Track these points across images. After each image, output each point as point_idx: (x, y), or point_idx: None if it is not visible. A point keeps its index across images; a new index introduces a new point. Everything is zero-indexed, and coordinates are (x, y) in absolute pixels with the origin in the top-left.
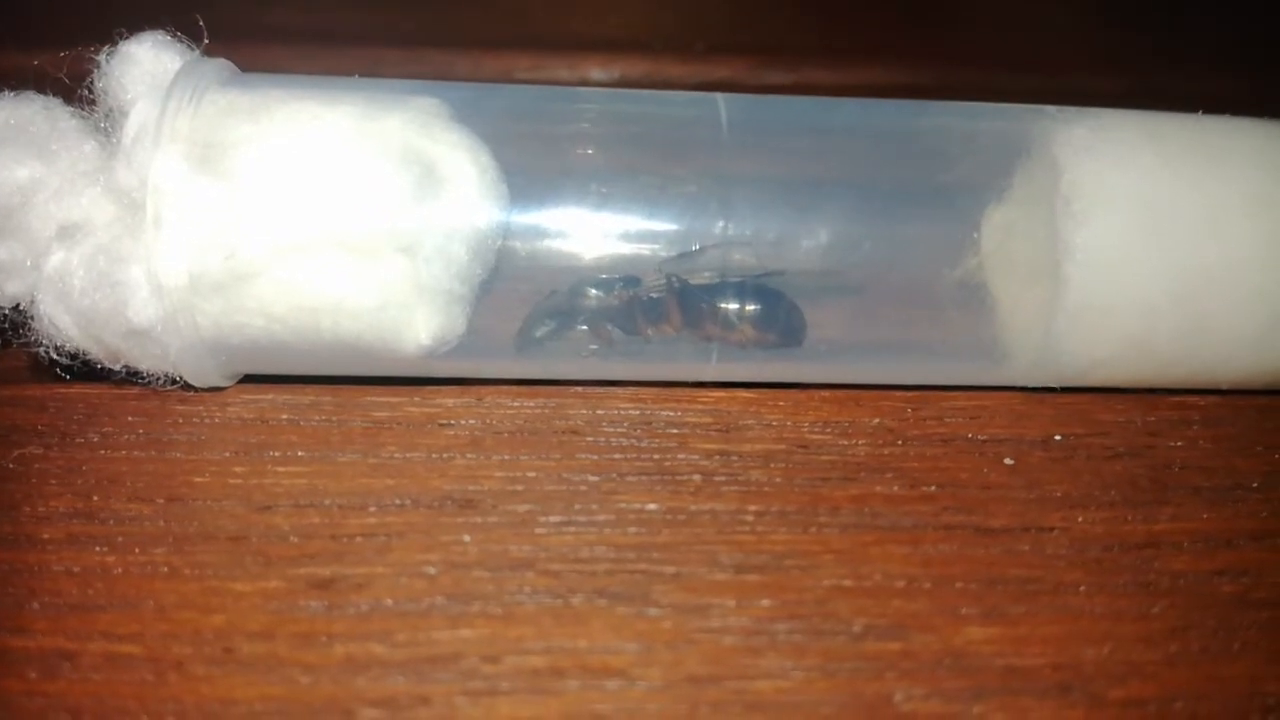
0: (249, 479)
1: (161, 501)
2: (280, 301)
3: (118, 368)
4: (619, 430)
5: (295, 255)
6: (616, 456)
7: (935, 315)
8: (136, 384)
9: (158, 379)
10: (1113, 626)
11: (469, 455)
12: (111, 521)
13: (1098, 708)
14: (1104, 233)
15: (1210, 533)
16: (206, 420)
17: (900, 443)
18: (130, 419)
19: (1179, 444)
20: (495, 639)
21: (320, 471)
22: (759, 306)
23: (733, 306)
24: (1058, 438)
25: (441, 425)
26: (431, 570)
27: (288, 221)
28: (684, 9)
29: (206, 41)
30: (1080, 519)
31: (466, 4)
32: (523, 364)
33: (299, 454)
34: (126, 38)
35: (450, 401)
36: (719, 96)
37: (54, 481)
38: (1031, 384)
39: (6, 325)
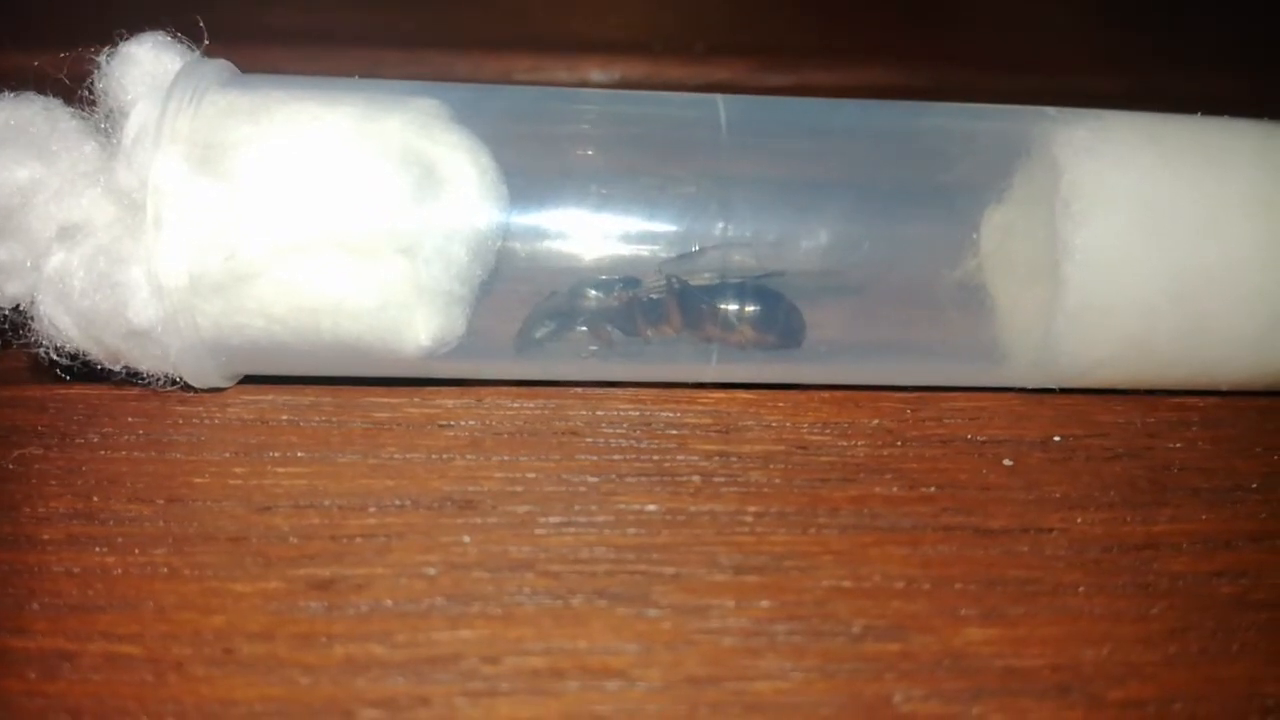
0: (249, 480)
1: (161, 502)
2: (280, 302)
3: (118, 368)
4: (618, 431)
5: (295, 256)
6: (616, 457)
7: (935, 316)
8: (136, 385)
9: (158, 380)
10: (1112, 627)
11: (469, 456)
12: (111, 522)
13: (1096, 709)
14: (1103, 233)
15: (1209, 534)
16: (206, 421)
17: (899, 444)
18: (130, 420)
19: (1178, 445)
20: (495, 640)
21: (320, 472)
22: (758, 307)
23: (732, 307)
24: (1057, 439)
25: (441, 426)
26: (431, 571)
27: (288, 222)
28: (684, 10)
29: (207, 42)
30: (1079, 520)
31: (466, 5)
32: (522, 365)
33: (299, 455)
34: (127, 39)
35: (450, 402)
36: (718, 98)
37: (54, 482)
38: (1031, 385)
39: (6, 326)
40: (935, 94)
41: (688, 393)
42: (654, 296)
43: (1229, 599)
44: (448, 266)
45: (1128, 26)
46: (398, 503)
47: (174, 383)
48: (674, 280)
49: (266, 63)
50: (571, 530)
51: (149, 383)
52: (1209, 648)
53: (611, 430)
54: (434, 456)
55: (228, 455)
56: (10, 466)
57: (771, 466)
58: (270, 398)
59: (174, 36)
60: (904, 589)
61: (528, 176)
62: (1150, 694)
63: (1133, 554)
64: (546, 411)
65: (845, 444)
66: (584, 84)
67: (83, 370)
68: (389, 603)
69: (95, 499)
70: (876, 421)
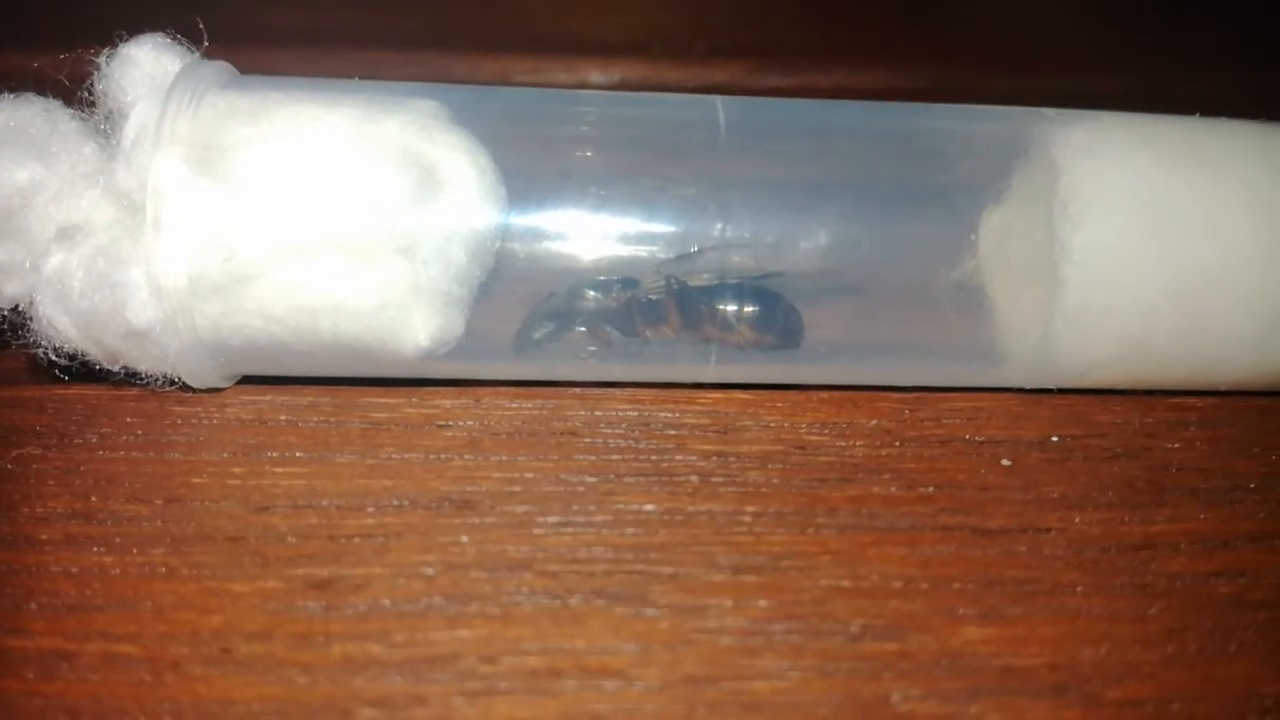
0: (247, 480)
1: (159, 502)
2: (279, 303)
3: (116, 369)
4: (617, 431)
5: (294, 257)
6: (614, 457)
7: (933, 317)
8: (135, 385)
9: (156, 380)
10: (1110, 627)
11: (467, 456)
12: (109, 522)
13: (1094, 708)
14: (1102, 234)
15: (1207, 534)
16: (205, 421)
17: (898, 444)
18: (129, 420)
19: (1176, 445)
20: (493, 639)
21: (318, 472)
22: (757, 308)
23: (731, 308)
24: (1055, 439)
25: (440, 426)
26: (429, 571)
27: (287, 223)
28: (683, 11)
29: (206, 44)
30: (1077, 520)
31: (466, 6)
32: (521, 365)
33: (297, 455)
34: (126, 40)
35: (448, 403)
36: (717, 99)
37: (52, 482)
38: (1029, 385)
39: (5, 326)
40: (935, 95)
41: (686, 393)
42: (652, 297)
43: (1227, 599)
44: (446, 267)
45: (1128, 26)
46: (396, 503)
47: (172, 383)
48: (673, 281)
49: (266, 64)
50: (569, 530)
51: (147, 383)
52: (1207, 647)
53: (610, 430)
54: (432, 457)
55: (226, 455)
56: (8, 466)
57: (770, 466)
58: (269, 398)
59: (173, 38)
60: (902, 589)
61: (527, 178)
62: (1148, 694)
63: (1131, 554)
64: (545, 412)
65: (843, 444)
66: (583, 85)
67: (81, 370)
68: (387, 602)
69: (93, 499)
70: (875, 422)
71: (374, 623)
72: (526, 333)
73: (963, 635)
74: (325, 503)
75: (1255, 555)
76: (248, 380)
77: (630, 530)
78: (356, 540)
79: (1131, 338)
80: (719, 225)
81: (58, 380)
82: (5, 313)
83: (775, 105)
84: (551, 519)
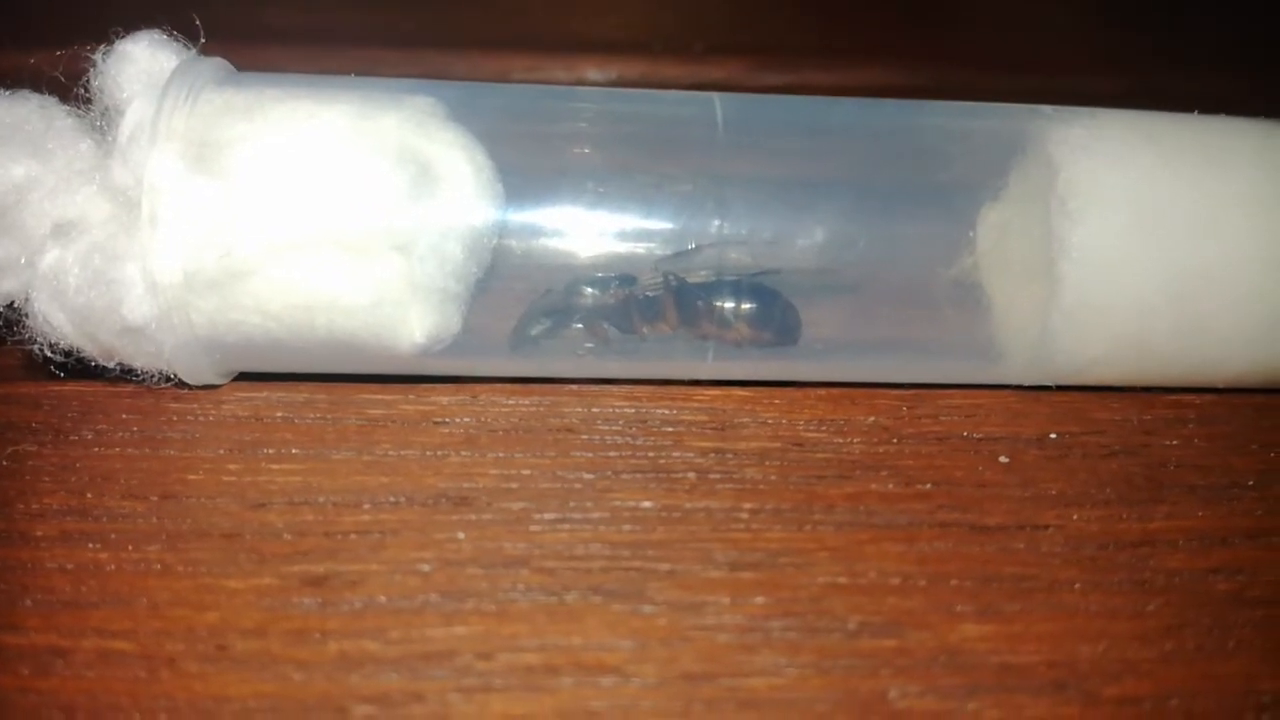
0: (243, 476)
1: (155, 499)
2: (275, 299)
3: (112, 365)
4: (614, 428)
5: (290, 253)
6: (611, 454)
7: (931, 314)
8: (131, 381)
9: (152, 376)
10: (1108, 624)
11: (464, 453)
12: (105, 519)
13: (1092, 705)
14: (1099, 231)
15: (1205, 531)
16: (201, 418)
17: (895, 441)
18: (124, 416)
19: (1175, 442)
20: (489, 636)
21: (314, 469)
22: (754, 305)
23: (728, 305)
24: (1053, 436)
25: (436, 423)
26: (426, 567)
27: (283, 220)
28: (683, 9)
29: (203, 41)
30: (1075, 517)
31: (465, 4)
32: (518, 362)
33: (293, 451)
34: (123, 36)
35: (445, 399)
36: (715, 96)
37: (47, 479)
38: (1027, 382)
39: (1, 323)
40: (935, 94)
41: (683, 390)
42: (650, 294)
43: (1225, 596)
44: (443, 264)
45: (1128, 26)
46: (392, 499)
47: (168, 380)
48: (670, 278)
49: (263, 62)
50: (566, 527)
51: (143, 380)
52: (1205, 644)
53: (607, 427)
54: (429, 453)
55: (222, 452)
56: (4, 463)
57: (767, 463)
58: (265, 395)
59: (170, 35)
60: (900, 585)
61: (524, 174)
62: (1146, 690)
63: (1129, 551)
64: (542, 408)
65: (841, 441)
66: (581, 83)
67: (77, 367)
68: (383, 599)
69: (89, 495)
70: (872, 419)
71: (370, 619)
72: (523, 329)
73: (960, 632)
74: (321, 499)
75: (1253, 552)
76: (244, 377)
77: (627, 527)
78: (353, 537)
79: (1129, 335)
80: (716, 222)
81: (53, 377)
82: (1, 309)
83: (773, 102)
84: (548, 516)
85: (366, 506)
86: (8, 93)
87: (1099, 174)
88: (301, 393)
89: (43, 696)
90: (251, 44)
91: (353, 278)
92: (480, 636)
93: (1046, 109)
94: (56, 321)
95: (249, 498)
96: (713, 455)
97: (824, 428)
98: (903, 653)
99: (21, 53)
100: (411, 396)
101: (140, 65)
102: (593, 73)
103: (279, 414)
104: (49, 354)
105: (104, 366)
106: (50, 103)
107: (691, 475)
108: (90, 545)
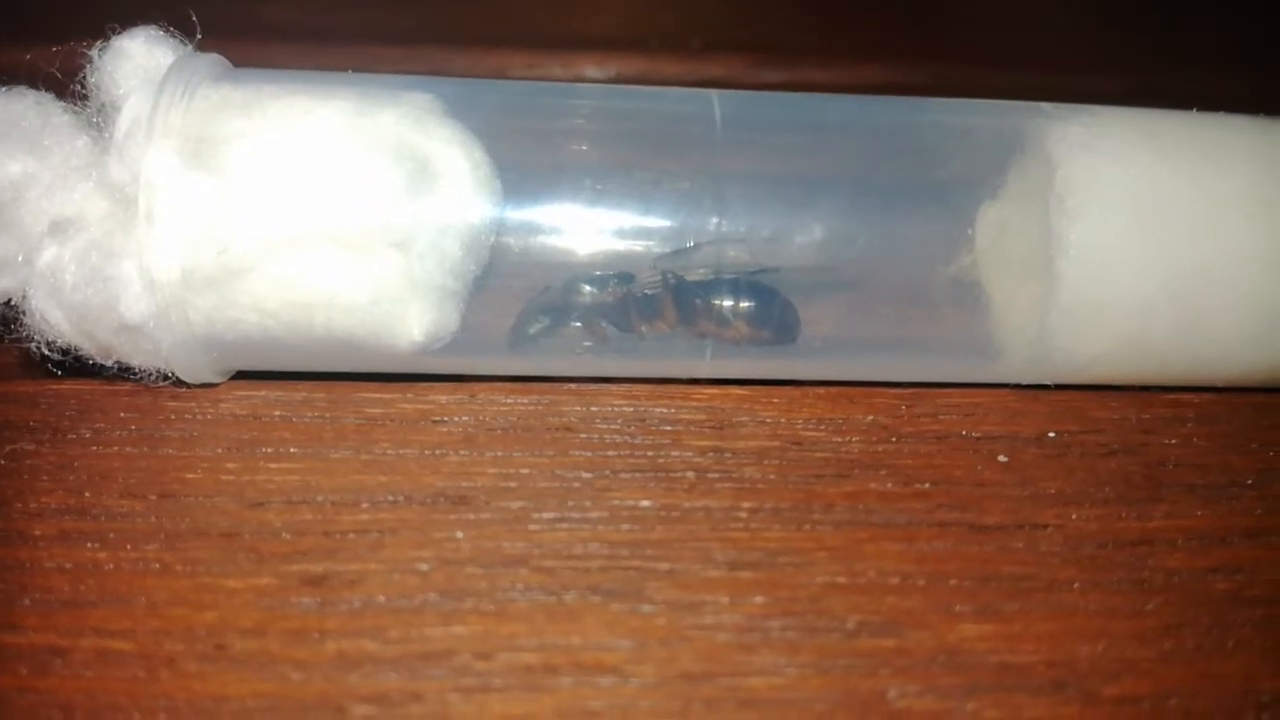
0: (241, 475)
1: (153, 498)
2: (273, 297)
3: (110, 363)
4: (613, 427)
5: (288, 250)
6: (610, 453)
7: (929, 312)
8: (128, 380)
9: (150, 375)
10: (1107, 624)
11: (462, 452)
12: (103, 518)
13: (1092, 705)
14: (1098, 229)
15: (1204, 530)
16: (199, 416)
17: (894, 440)
18: (122, 415)
19: (1173, 441)
20: (488, 636)
21: (313, 468)
22: (753, 303)
23: (727, 303)
24: (1052, 435)
25: (434, 422)
26: (424, 567)
27: (281, 216)
28: (681, 6)
29: (199, 37)
30: (1074, 516)
31: (463, 1)
32: (516, 361)
33: (291, 450)
34: (119, 33)
35: (443, 398)
36: (713, 93)
37: (45, 478)
38: (1026, 381)
39: None
40: (934, 93)
41: (682, 389)
42: (648, 292)
43: (1224, 595)
44: (441, 261)
45: (1128, 26)
46: (391, 498)
47: (166, 378)
48: (669, 276)
49: (260, 58)
50: (565, 526)
51: (141, 378)
52: (1204, 644)
53: (605, 426)
54: (427, 452)
55: (220, 451)
56: (2, 462)
57: (766, 462)
58: (263, 393)
59: (166, 31)
60: (899, 585)
61: (522, 171)
62: (1145, 690)
63: (1128, 550)
64: (540, 407)
65: (840, 440)
66: (580, 80)
67: (74, 365)
68: (382, 598)
69: (87, 494)
70: (871, 418)
71: (369, 619)
72: (522, 328)
73: (959, 632)
74: (320, 498)
75: (1252, 551)
76: (242, 375)
77: (626, 526)
78: (351, 536)
79: (1128, 333)
80: (715, 220)
81: (51, 375)
82: None
83: (771, 99)
84: (547, 515)
85: (365, 506)
86: (4, 89)
87: (1098, 171)
88: (300, 391)
89: (41, 696)
90: (248, 40)
91: (351, 275)
92: (479, 636)
93: (1045, 106)
94: (54, 319)
95: (247, 497)
96: (711, 454)
97: (822, 427)
98: (902, 652)
99: (18, 49)
100: (410, 395)
101: (137, 61)
102: (591, 70)
103: (277, 413)
104: (46, 352)
105: (102, 365)
106: (47, 99)
107: (690, 474)
108: (88, 544)
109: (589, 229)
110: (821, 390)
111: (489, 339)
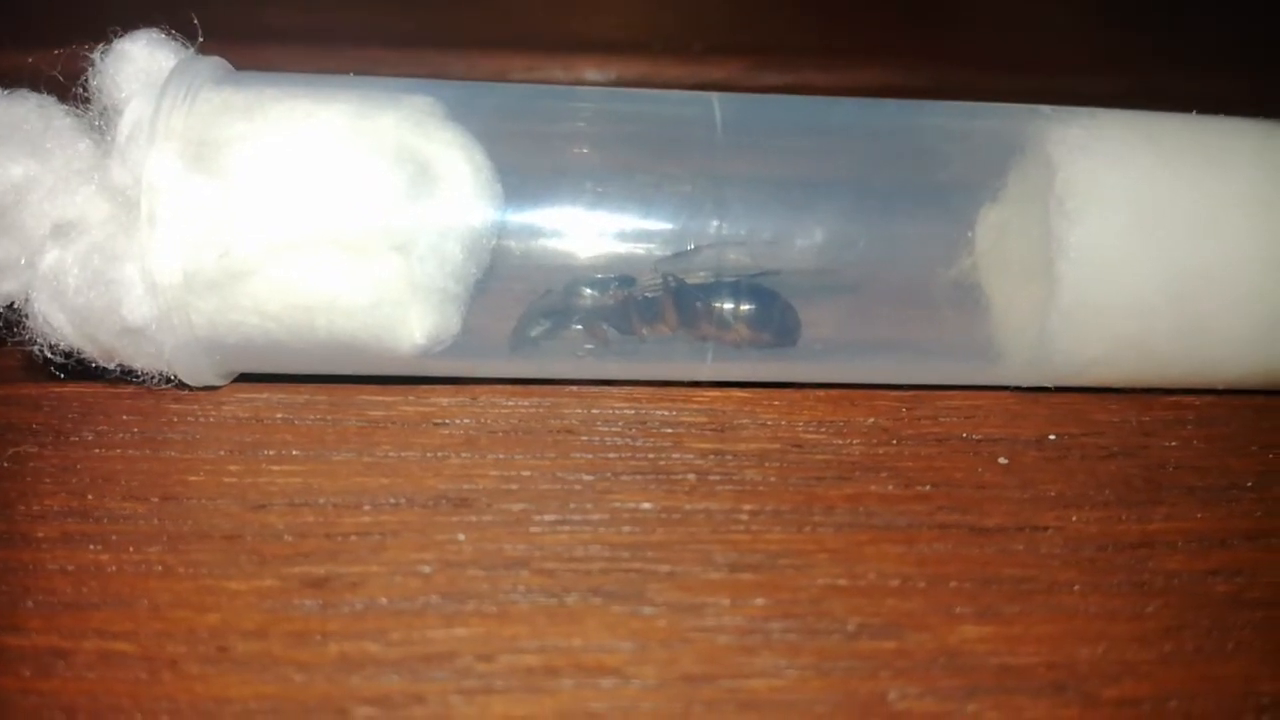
0: (244, 478)
1: (156, 500)
2: (275, 300)
3: (112, 366)
4: (614, 429)
5: (290, 253)
6: (611, 456)
7: (930, 315)
8: (131, 383)
9: (152, 378)
10: (1107, 626)
11: (464, 454)
12: (106, 520)
13: (1092, 707)
14: (1098, 232)
15: (1204, 532)
16: (201, 419)
17: (895, 442)
18: (125, 418)
19: (1174, 444)
20: (490, 638)
21: (315, 470)
22: (754, 306)
23: (728, 306)
24: (1052, 437)
25: (436, 424)
26: (426, 569)
27: (282, 220)
28: (682, 9)
29: (201, 40)
30: (1075, 518)
31: (463, 4)
32: (517, 363)
33: (294, 453)
34: (121, 36)
35: (445, 400)
36: (714, 96)
37: (48, 480)
38: (1026, 383)
39: (1, 324)
40: (934, 95)
41: (683, 391)
42: (649, 295)
43: (1224, 597)
44: (442, 264)
45: (1128, 26)
46: (393, 501)
47: (168, 381)
48: (669, 279)
49: (261, 61)
50: (566, 528)
51: (143, 381)
52: (1204, 646)
53: (607, 428)
54: (429, 454)
55: (222, 453)
56: (4, 464)
57: (767, 465)
58: (265, 396)
59: (168, 34)
60: (899, 587)
61: (522, 174)
62: (1145, 692)
63: (1128, 552)
64: (541, 410)
65: (840, 442)
66: (580, 83)
67: (77, 368)
68: (384, 601)
69: (90, 497)
70: (872, 420)
71: (371, 621)
72: (523, 330)
73: (960, 634)
74: (322, 501)
75: (1252, 554)
76: (244, 378)
77: (627, 528)
78: (353, 538)
79: (1128, 336)
80: (715, 223)
81: (53, 378)
82: (1, 310)
83: (772, 102)
84: (548, 517)
85: (367, 508)
86: (6, 92)
87: (1098, 174)
88: (302, 394)
89: (44, 698)
90: (250, 43)
91: (352, 278)
92: (481, 638)
93: (1045, 109)
94: (56, 322)
95: (250, 499)
96: (712, 457)
97: (823, 429)
98: (902, 654)
99: (20, 52)
100: (411, 398)
101: (139, 64)
102: (592, 73)
103: (279, 415)
104: (49, 355)
105: (104, 368)
106: (49, 102)
107: (691, 477)
108: (91, 547)
109: (590, 232)
110: (822, 393)
111: (490, 342)
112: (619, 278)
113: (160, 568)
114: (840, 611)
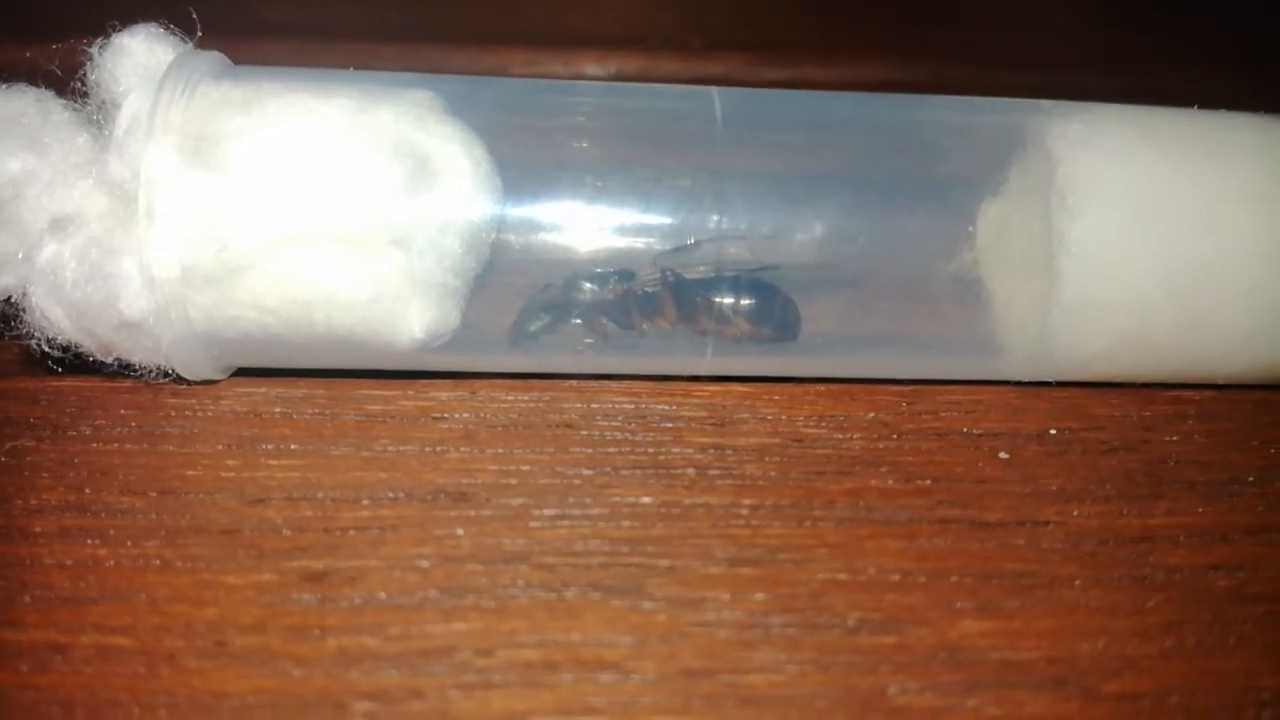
0: (241, 472)
1: (154, 494)
2: (273, 294)
3: (110, 360)
4: (613, 424)
5: (288, 248)
6: (611, 450)
7: (930, 309)
8: (129, 377)
9: (150, 372)
10: (1108, 620)
11: (463, 449)
12: (103, 514)
13: (1092, 701)
14: (1099, 226)
15: (1206, 527)
16: (199, 413)
17: (895, 437)
18: (122, 412)
19: (1174, 438)
20: (489, 632)
21: (313, 465)
22: (754, 300)
23: (728, 300)
24: (1053, 432)
25: (435, 419)
26: (425, 563)
27: (281, 214)
28: (682, 5)
29: (199, 34)
30: (1075, 513)
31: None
32: (517, 358)
33: (292, 447)
34: (119, 30)
35: (444, 395)
36: (714, 90)
37: (46, 474)
38: (1027, 378)
39: None
40: (934, 92)
41: (683, 386)
42: (649, 289)
43: (1225, 592)
44: (441, 259)
45: (1128, 26)
46: (391, 495)
47: (166, 375)
48: (669, 273)
49: (260, 56)
50: (566, 523)
51: (141, 375)
52: (1205, 641)
53: (606, 423)
54: (428, 449)
55: (220, 448)
56: (2, 459)
57: (767, 459)
58: (263, 390)
59: (166, 28)
60: (899, 582)
61: (522, 168)
62: (1146, 687)
63: (1129, 547)
64: (541, 404)
65: (841, 437)
66: (580, 78)
67: (75, 362)
68: (382, 595)
69: (87, 491)
70: (872, 414)
71: (369, 615)
72: (522, 325)
73: (960, 628)
74: (320, 495)
75: (1253, 548)
76: (242, 372)
77: (627, 523)
78: (351, 533)
79: (1129, 330)
80: (715, 217)
81: (51, 372)
82: None
83: (772, 97)
84: (548, 512)
85: (365, 502)
86: (4, 86)
87: (1098, 169)
88: (300, 388)
89: (41, 693)
90: (248, 38)
91: (351, 272)
92: (480, 633)
93: (1046, 104)
94: (54, 316)
95: (248, 493)
96: (712, 451)
97: (823, 424)
98: (902, 649)
99: (18, 46)
100: (410, 392)
101: (137, 59)
102: (591, 68)
103: (278, 409)
104: (47, 349)
105: (102, 361)
106: (47, 96)
107: (691, 471)
108: (89, 541)
109: (589, 226)
110: (822, 387)
111: (489, 336)
112: (619, 272)
113: (158, 562)
114: (840, 606)
